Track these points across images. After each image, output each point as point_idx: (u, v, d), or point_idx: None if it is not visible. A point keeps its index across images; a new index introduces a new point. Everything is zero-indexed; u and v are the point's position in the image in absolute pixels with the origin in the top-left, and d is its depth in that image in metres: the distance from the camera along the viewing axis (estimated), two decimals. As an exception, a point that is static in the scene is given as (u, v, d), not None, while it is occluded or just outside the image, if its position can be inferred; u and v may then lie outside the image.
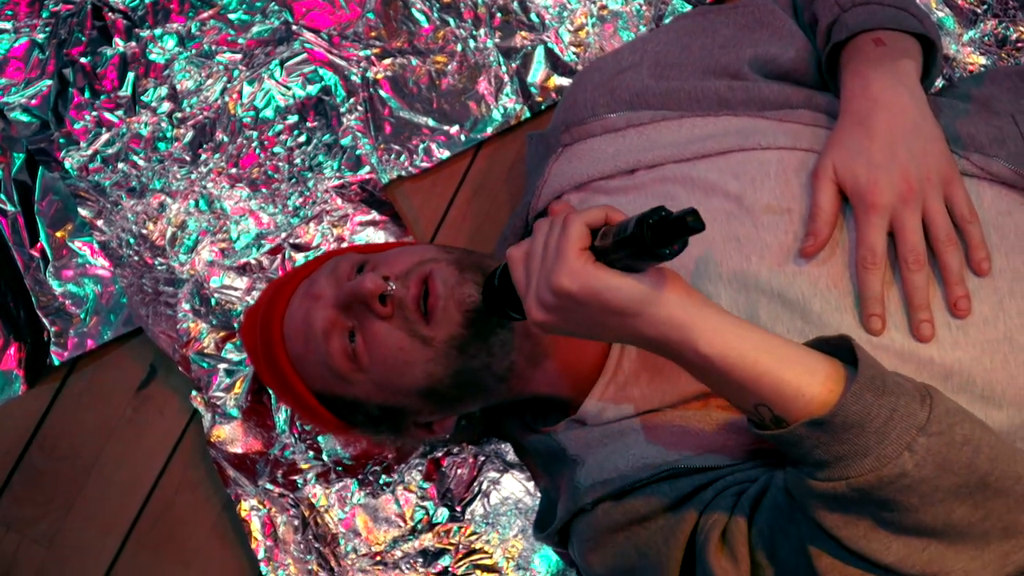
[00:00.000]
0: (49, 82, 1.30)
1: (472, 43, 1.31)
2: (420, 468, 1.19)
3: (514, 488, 1.18)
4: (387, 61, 1.30)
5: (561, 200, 1.03)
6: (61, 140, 1.28)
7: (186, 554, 1.20)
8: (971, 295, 0.87)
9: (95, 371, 1.25)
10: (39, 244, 1.26)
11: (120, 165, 1.28)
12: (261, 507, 1.18)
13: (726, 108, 1.00)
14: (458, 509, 1.17)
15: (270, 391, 1.20)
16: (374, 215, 1.26)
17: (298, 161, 1.28)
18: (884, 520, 0.71)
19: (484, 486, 1.18)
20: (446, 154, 1.28)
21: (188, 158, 1.28)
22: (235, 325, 1.23)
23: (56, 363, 1.23)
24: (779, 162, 0.94)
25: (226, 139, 1.29)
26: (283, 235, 1.26)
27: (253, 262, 1.25)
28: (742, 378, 0.73)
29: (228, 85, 1.30)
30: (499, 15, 1.31)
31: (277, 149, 1.28)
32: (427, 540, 1.17)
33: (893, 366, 0.84)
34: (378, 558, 1.17)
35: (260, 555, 1.17)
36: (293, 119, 1.29)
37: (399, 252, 0.99)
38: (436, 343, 0.93)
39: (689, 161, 0.97)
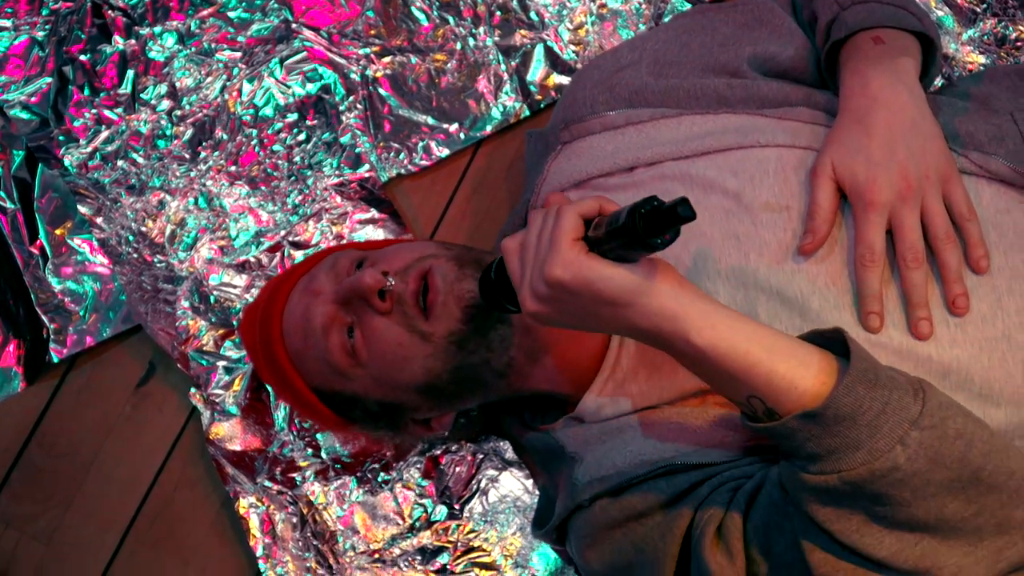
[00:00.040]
0: (49, 79, 1.30)
1: (472, 41, 1.31)
2: (419, 466, 1.19)
3: (512, 486, 1.18)
4: (387, 59, 1.30)
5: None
6: (61, 137, 1.28)
7: (185, 551, 1.20)
8: (969, 293, 0.87)
9: (94, 368, 1.25)
10: (38, 241, 1.26)
11: (119, 163, 1.28)
12: (260, 504, 1.18)
13: (725, 106, 1.00)
14: (456, 507, 1.18)
15: (269, 388, 1.21)
16: (373, 213, 1.26)
17: (297, 159, 1.28)
18: (877, 514, 0.71)
19: (483, 484, 1.18)
20: (445, 152, 1.28)
21: (187, 156, 1.28)
22: (234, 322, 1.23)
23: (55, 360, 1.23)
24: (778, 160, 0.94)
25: (225, 137, 1.29)
26: (282, 233, 1.26)
27: (252, 260, 1.25)
28: (734, 369, 0.73)
29: (228, 83, 1.30)
30: (499, 13, 1.31)
31: (276, 147, 1.28)
32: (425, 538, 1.17)
33: (891, 364, 0.84)
34: (376, 556, 1.17)
35: (258, 552, 1.17)
36: (293, 117, 1.29)
37: (398, 248, 0.99)
38: (435, 339, 0.93)
39: (688, 159, 0.97)
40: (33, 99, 1.30)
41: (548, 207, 0.76)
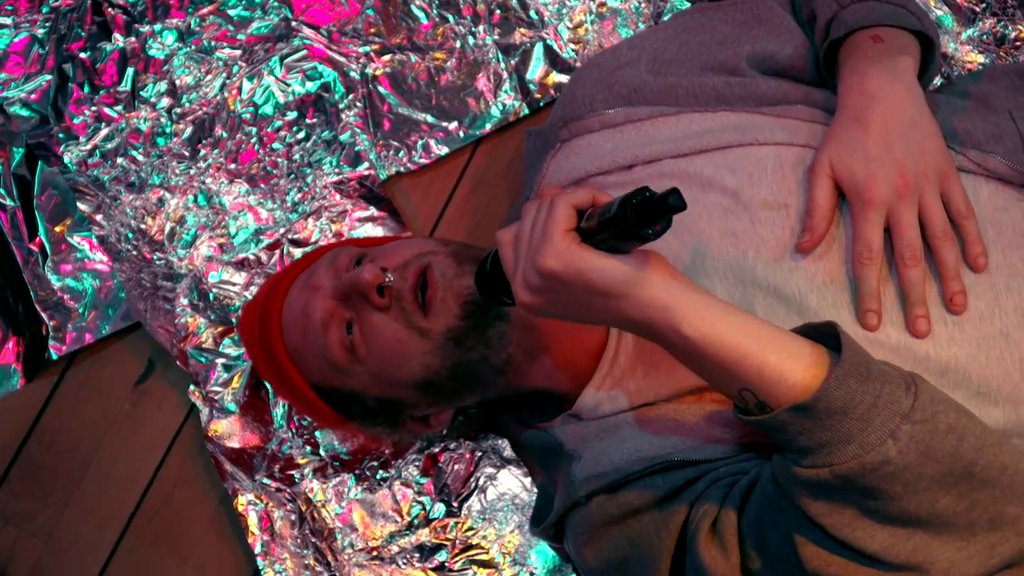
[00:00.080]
0: (49, 77, 1.30)
1: (471, 40, 1.31)
2: (417, 463, 1.19)
3: (511, 484, 1.18)
4: (386, 57, 1.31)
5: None
6: (60, 135, 1.28)
7: (183, 548, 1.20)
8: (967, 291, 0.87)
9: (93, 365, 1.25)
10: (38, 238, 1.27)
11: (119, 160, 1.28)
12: (258, 501, 1.18)
13: (724, 104, 1.00)
14: (455, 504, 1.18)
15: (268, 385, 1.21)
16: (372, 211, 1.26)
17: (297, 157, 1.28)
18: (869, 509, 0.71)
19: (481, 482, 1.18)
20: (445, 150, 1.28)
21: (187, 153, 1.28)
22: (233, 320, 1.23)
23: (54, 357, 1.23)
24: (776, 158, 0.94)
25: (225, 135, 1.29)
26: (281, 231, 1.26)
27: (251, 257, 1.25)
28: (724, 361, 0.73)
29: (227, 81, 1.30)
30: (498, 12, 1.31)
31: (276, 145, 1.29)
32: (424, 535, 1.17)
33: (888, 361, 0.84)
34: (375, 553, 1.17)
35: (257, 549, 1.17)
36: (292, 115, 1.29)
37: (397, 244, 0.99)
38: (433, 335, 0.94)
39: (686, 156, 0.97)
40: (33, 96, 1.30)
41: (542, 199, 0.77)
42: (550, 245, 0.73)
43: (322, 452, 1.20)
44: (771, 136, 0.96)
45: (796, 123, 0.97)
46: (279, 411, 1.21)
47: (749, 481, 0.81)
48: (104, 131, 1.29)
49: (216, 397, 1.21)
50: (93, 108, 1.29)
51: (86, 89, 1.30)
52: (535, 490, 1.17)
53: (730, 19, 1.09)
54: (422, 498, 1.18)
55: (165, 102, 1.30)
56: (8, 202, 1.28)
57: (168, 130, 1.29)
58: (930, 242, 0.88)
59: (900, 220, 0.87)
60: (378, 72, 1.30)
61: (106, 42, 1.31)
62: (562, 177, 1.04)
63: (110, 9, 1.32)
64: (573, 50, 1.30)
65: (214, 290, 1.24)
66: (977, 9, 1.28)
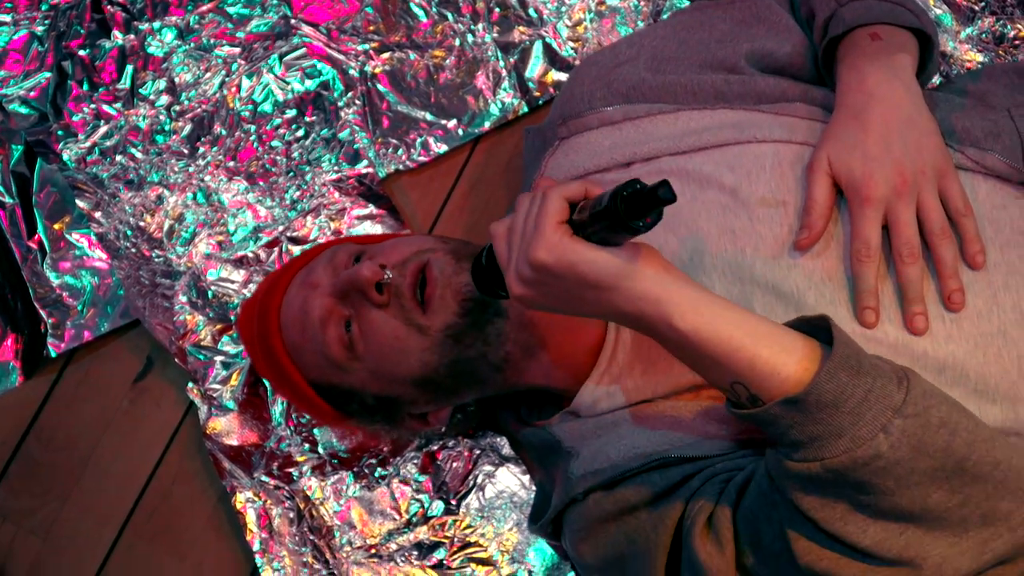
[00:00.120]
0: (48, 74, 1.30)
1: (470, 38, 1.31)
2: (416, 461, 1.19)
3: (509, 482, 1.18)
4: (385, 55, 1.31)
5: None
6: (59, 132, 1.28)
7: (182, 546, 1.20)
8: (965, 288, 0.87)
9: (92, 363, 1.25)
10: (37, 236, 1.27)
11: (118, 157, 1.28)
12: (257, 499, 1.18)
13: (722, 101, 1.00)
14: (453, 502, 1.18)
15: (266, 383, 1.21)
16: (371, 209, 1.26)
17: (296, 155, 1.28)
18: (861, 503, 0.71)
19: (479, 479, 1.18)
20: (444, 148, 1.28)
21: (186, 151, 1.28)
22: (232, 317, 1.23)
23: (53, 355, 1.23)
24: (775, 155, 0.94)
25: (224, 132, 1.29)
26: (280, 228, 1.26)
27: (250, 255, 1.25)
28: (717, 354, 0.73)
29: (227, 79, 1.30)
30: (497, 10, 1.31)
31: (275, 143, 1.29)
32: (422, 533, 1.17)
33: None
34: (373, 551, 1.17)
35: (255, 547, 1.17)
36: (291, 113, 1.29)
37: (396, 242, 0.99)
38: (432, 332, 0.94)
39: (685, 154, 0.97)
40: (32, 94, 1.30)
41: (535, 191, 0.77)
42: (542, 237, 0.73)
43: (320, 450, 1.20)
44: (770, 134, 0.96)
45: (794, 121, 0.97)
46: (277, 408, 1.21)
47: (745, 477, 0.81)
48: (103, 128, 1.29)
49: (215, 394, 1.21)
50: (92, 105, 1.29)
51: (85, 86, 1.30)
52: (533, 488, 1.17)
53: (729, 17, 1.10)
54: (420, 496, 1.18)
55: (164, 100, 1.30)
56: (7, 199, 1.28)
57: (167, 128, 1.29)
58: (928, 240, 0.88)
59: (898, 218, 0.87)
60: (377, 70, 1.30)
61: (105, 40, 1.31)
62: (561, 175, 1.04)
63: (109, 7, 1.32)
64: (572, 48, 1.30)
65: (213, 287, 1.24)
66: (976, 8, 1.28)
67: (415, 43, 1.31)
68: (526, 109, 1.29)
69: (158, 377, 1.25)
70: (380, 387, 0.98)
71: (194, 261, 1.25)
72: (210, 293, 1.24)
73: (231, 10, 1.32)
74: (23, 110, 1.29)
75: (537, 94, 1.29)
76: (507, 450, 1.19)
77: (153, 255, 1.25)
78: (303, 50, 1.31)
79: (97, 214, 1.26)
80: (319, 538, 1.17)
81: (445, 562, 1.16)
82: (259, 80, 1.30)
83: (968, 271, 0.88)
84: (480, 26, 1.31)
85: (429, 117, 1.29)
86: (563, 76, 1.29)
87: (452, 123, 1.29)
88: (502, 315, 0.95)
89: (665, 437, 0.90)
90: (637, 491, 0.87)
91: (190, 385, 1.21)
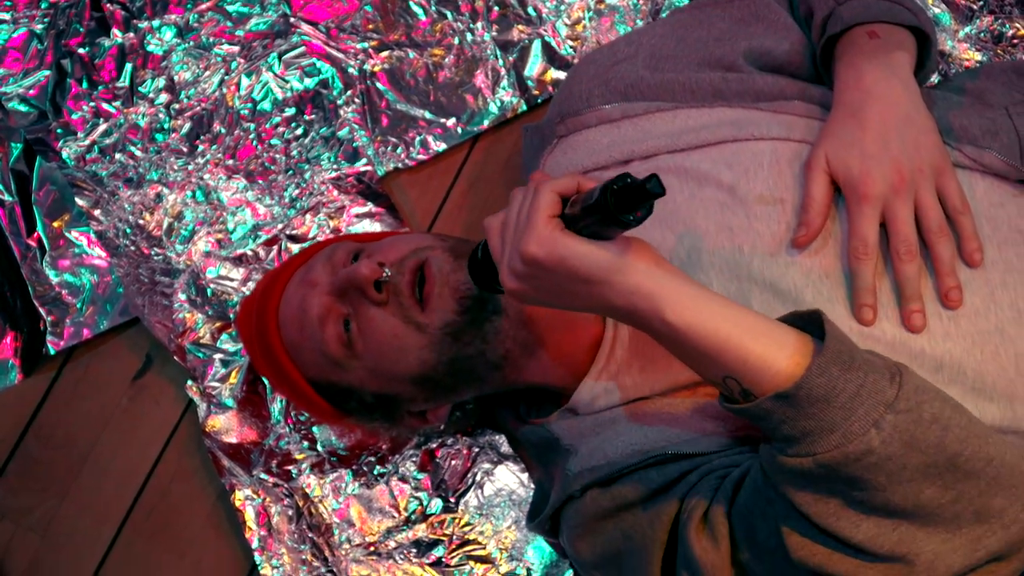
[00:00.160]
0: (47, 72, 1.30)
1: (469, 36, 1.31)
2: (414, 459, 1.19)
3: (508, 479, 1.18)
4: (384, 54, 1.31)
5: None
6: (59, 130, 1.28)
7: (180, 543, 1.20)
8: (963, 286, 0.87)
9: (91, 360, 1.25)
10: (36, 234, 1.27)
11: (117, 155, 1.28)
12: (255, 497, 1.18)
13: (720, 99, 1.00)
14: (452, 500, 1.18)
15: (265, 381, 1.21)
16: (370, 207, 1.26)
17: (295, 153, 1.28)
18: (854, 499, 0.71)
19: (478, 477, 1.18)
20: (442, 147, 1.28)
21: (185, 149, 1.28)
22: (231, 315, 1.23)
23: (52, 352, 1.23)
24: (773, 153, 0.94)
25: (223, 131, 1.29)
26: (279, 226, 1.26)
27: (249, 253, 1.25)
28: (708, 348, 0.73)
29: (226, 77, 1.30)
30: (496, 8, 1.31)
31: (274, 141, 1.29)
32: (421, 531, 1.17)
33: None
34: (372, 548, 1.17)
35: (254, 545, 1.17)
36: (290, 111, 1.29)
37: (395, 240, 1.00)
38: (430, 330, 0.94)
39: (683, 151, 0.97)
40: (31, 92, 1.30)
41: (528, 185, 0.77)
42: (533, 231, 0.73)
43: (319, 447, 1.20)
44: (768, 131, 0.96)
45: (793, 119, 0.97)
46: (276, 406, 1.21)
47: (741, 473, 0.81)
48: (102, 127, 1.29)
49: (214, 392, 1.21)
50: (91, 104, 1.29)
51: (84, 85, 1.30)
52: (532, 486, 1.17)
53: (728, 16, 1.10)
54: (419, 494, 1.18)
55: (163, 98, 1.30)
56: (6, 197, 1.28)
57: (166, 126, 1.29)
58: (926, 237, 0.88)
59: (896, 215, 0.87)
60: (376, 68, 1.30)
61: (104, 38, 1.31)
62: (559, 172, 1.04)
63: (109, 5, 1.32)
64: (571, 47, 1.30)
65: (212, 285, 1.24)
66: (975, 7, 1.28)
67: (414, 41, 1.31)
68: (525, 107, 1.29)
69: (157, 375, 1.25)
70: (379, 385, 0.98)
71: (193, 259, 1.25)
72: (209, 291, 1.24)
73: (230, 8, 1.32)
74: (22, 108, 1.30)
75: (536, 92, 1.29)
76: (506, 448, 1.19)
77: (152, 253, 1.25)
78: (302, 48, 1.31)
79: (96, 212, 1.26)
80: (318, 536, 1.17)
81: (444, 560, 1.16)
82: (258, 78, 1.30)
83: (966, 269, 0.88)
84: (479, 24, 1.31)
85: (428, 115, 1.29)
86: (562, 75, 1.29)
87: (451, 121, 1.29)
88: (500, 313, 0.95)
89: (662, 434, 0.90)
90: (634, 488, 0.87)
91: (189, 383, 1.21)
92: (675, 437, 0.89)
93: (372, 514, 1.18)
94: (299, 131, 1.29)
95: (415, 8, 1.32)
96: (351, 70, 1.30)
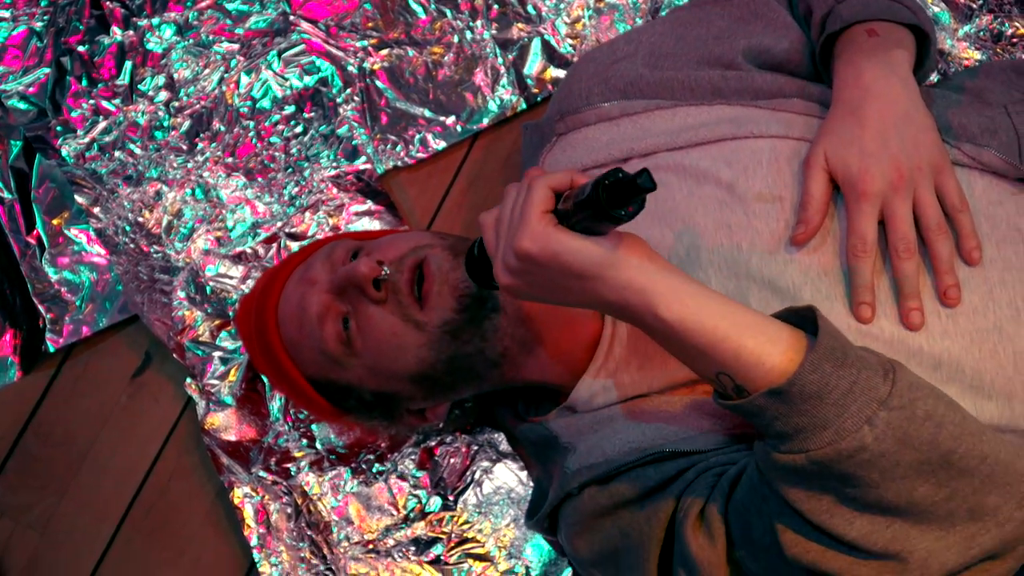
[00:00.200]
0: (47, 70, 1.30)
1: (469, 34, 1.31)
2: (413, 457, 1.19)
3: (507, 477, 1.18)
4: (384, 52, 1.31)
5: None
6: (58, 128, 1.28)
7: (179, 541, 1.21)
8: (961, 284, 0.87)
9: (90, 358, 1.26)
10: (35, 231, 1.27)
11: (117, 153, 1.28)
12: (254, 494, 1.18)
13: (719, 97, 1.00)
14: (451, 498, 1.18)
15: (264, 378, 1.21)
16: (370, 205, 1.26)
17: (294, 151, 1.28)
18: (847, 496, 0.71)
19: (477, 475, 1.18)
20: (442, 145, 1.28)
21: (185, 147, 1.28)
22: (230, 313, 1.23)
23: (51, 350, 1.24)
24: (771, 150, 0.94)
25: (223, 128, 1.29)
26: (279, 224, 1.26)
27: (249, 251, 1.25)
28: (702, 344, 0.73)
29: (225, 75, 1.30)
30: (496, 7, 1.31)
31: (274, 139, 1.29)
32: (420, 528, 1.17)
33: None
34: (371, 546, 1.17)
35: (253, 542, 1.17)
36: (290, 109, 1.29)
37: (394, 238, 1.00)
38: (429, 328, 0.94)
39: (682, 149, 0.97)
40: (31, 89, 1.30)
41: (523, 181, 0.77)
42: (526, 227, 0.73)
43: (318, 445, 1.20)
44: (767, 129, 0.96)
45: (791, 116, 0.97)
46: (275, 404, 1.21)
47: (737, 471, 0.81)
48: (102, 124, 1.29)
49: (213, 390, 1.21)
50: (91, 101, 1.29)
51: (84, 82, 1.30)
52: (531, 484, 1.18)
53: (727, 14, 1.10)
54: (418, 492, 1.18)
55: (163, 96, 1.30)
56: (6, 195, 1.28)
57: (166, 124, 1.29)
58: (924, 235, 0.88)
59: (894, 213, 0.87)
60: (376, 66, 1.30)
61: (104, 36, 1.31)
62: (558, 170, 1.04)
63: (108, 3, 1.32)
64: (571, 45, 1.30)
65: (211, 283, 1.24)
66: (974, 6, 1.28)
67: (414, 40, 1.31)
68: (524, 106, 1.29)
69: (156, 372, 1.25)
70: (378, 383, 0.99)
71: (192, 257, 1.25)
72: (208, 289, 1.24)
73: (230, 6, 1.32)
74: (22, 106, 1.30)
75: (535, 91, 1.29)
76: (505, 446, 1.19)
77: (152, 251, 1.25)
78: (302, 46, 1.31)
79: (96, 210, 1.26)
80: (317, 533, 1.17)
81: (442, 558, 1.16)
82: (258, 76, 1.30)
83: (964, 267, 0.88)
84: (479, 23, 1.31)
85: (427, 113, 1.29)
86: (561, 73, 1.29)
87: (450, 119, 1.29)
88: (499, 311, 0.95)
89: (660, 432, 0.90)
90: (632, 485, 0.87)
91: (188, 380, 1.21)
92: (673, 435, 0.89)
93: (371, 512, 1.18)
94: (298, 129, 1.29)
95: (415, 6, 1.32)
96: (351, 68, 1.30)
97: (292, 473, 1.19)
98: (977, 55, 1.26)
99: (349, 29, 1.31)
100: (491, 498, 1.18)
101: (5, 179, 1.28)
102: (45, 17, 1.32)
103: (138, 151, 1.28)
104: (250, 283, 1.24)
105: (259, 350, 1.04)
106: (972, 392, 0.87)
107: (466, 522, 1.17)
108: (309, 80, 1.30)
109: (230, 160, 1.28)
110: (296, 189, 1.27)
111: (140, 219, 1.26)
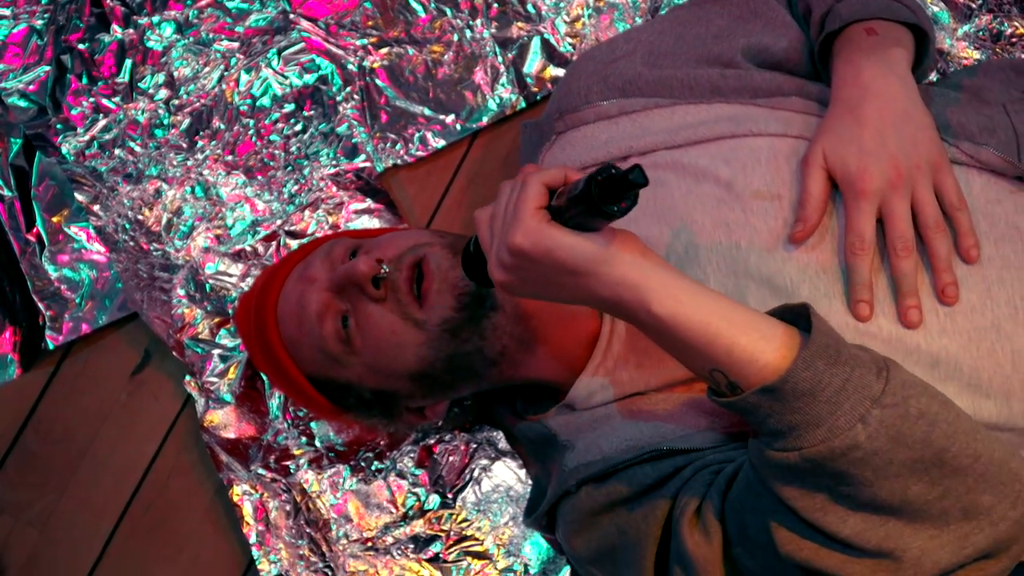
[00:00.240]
0: (47, 68, 1.31)
1: (469, 33, 1.31)
2: (412, 455, 1.19)
3: (505, 476, 1.18)
4: (384, 50, 1.31)
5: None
6: (58, 126, 1.29)
7: (178, 538, 1.21)
8: (959, 283, 0.87)
9: (90, 355, 1.26)
10: (35, 229, 1.27)
11: (117, 151, 1.28)
12: (253, 492, 1.18)
13: (718, 95, 1.00)
14: (450, 496, 1.18)
15: (263, 376, 1.21)
16: (369, 203, 1.27)
17: (294, 149, 1.28)
18: (840, 494, 0.71)
19: (476, 473, 1.18)
20: (441, 143, 1.28)
21: (185, 145, 1.29)
22: (229, 311, 1.24)
23: (51, 347, 1.24)
24: (770, 149, 0.94)
25: (223, 126, 1.29)
26: (278, 222, 1.26)
27: (248, 249, 1.25)
28: (695, 341, 0.73)
29: (225, 73, 1.30)
30: (496, 5, 1.31)
31: (273, 137, 1.29)
32: (418, 526, 1.17)
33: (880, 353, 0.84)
34: (369, 544, 1.17)
35: (252, 540, 1.17)
36: (290, 107, 1.29)
37: (393, 236, 1.00)
38: (429, 326, 0.94)
39: (680, 147, 0.97)
40: (31, 87, 1.30)
41: (518, 177, 0.77)
42: (520, 223, 0.73)
43: (317, 443, 1.20)
44: (765, 127, 0.96)
45: (790, 115, 0.97)
46: (275, 402, 1.21)
47: (734, 469, 0.81)
48: (102, 122, 1.29)
49: (212, 388, 1.21)
50: (91, 99, 1.29)
51: (84, 80, 1.30)
52: (530, 482, 1.18)
53: (726, 13, 1.10)
54: (417, 489, 1.18)
55: (163, 94, 1.30)
56: (6, 192, 1.28)
57: (166, 121, 1.29)
58: (922, 233, 0.88)
59: (892, 211, 0.87)
60: (375, 65, 1.30)
61: (104, 33, 1.31)
62: (557, 168, 1.04)
63: (109, 1, 1.32)
64: (570, 44, 1.30)
65: (211, 281, 1.24)
66: (973, 5, 1.28)
67: (413, 38, 1.31)
68: (524, 104, 1.29)
69: (156, 370, 1.25)
70: (377, 381, 0.99)
71: (192, 255, 1.25)
72: (208, 286, 1.24)
73: (230, 5, 1.32)
74: (22, 103, 1.30)
75: (535, 89, 1.29)
76: (503, 444, 1.19)
77: (151, 248, 1.25)
78: (302, 45, 1.31)
79: (96, 207, 1.26)
80: (316, 531, 1.17)
81: (441, 556, 1.16)
82: (258, 75, 1.30)
83: (962, 265, 0.88)
84: (478, 21, 1.31)
85: (427, 112, 1.29)
86: (561, 72, 1.29)
87: (450, 118, 1.29)
88: (498, 309, 0.95)
89: (657, 430, 0.90)
90: (629, 483, 0.87)
91: (188, 378, 1.21)
92: (670, 433, 0.89)
93: (370, 510, 1.18)
94: (298, 127, 1.29)
95: (414, 5, 1.32)
96: (350, 66, 1.30)
97: (291, 471, 1.19)
98: (976, 55, 1.26)
99: (349, 27, 1.32)
100: (490, 496, 1.18)
101: (5, 177, 1.28)
102: (45, 15, 1.32)
103: (138, 149, 1.28)
104: (249, 281, 1.24)
105: (258, 348, 1.04)
106: (970, 390, 0.87)
107: (465, 520, 1.17)
108: (309, 78, 1.30)
109: (230, 158, 1.28)
110: (296, 187, 1.27)
111: (140, 217, 1.26)
